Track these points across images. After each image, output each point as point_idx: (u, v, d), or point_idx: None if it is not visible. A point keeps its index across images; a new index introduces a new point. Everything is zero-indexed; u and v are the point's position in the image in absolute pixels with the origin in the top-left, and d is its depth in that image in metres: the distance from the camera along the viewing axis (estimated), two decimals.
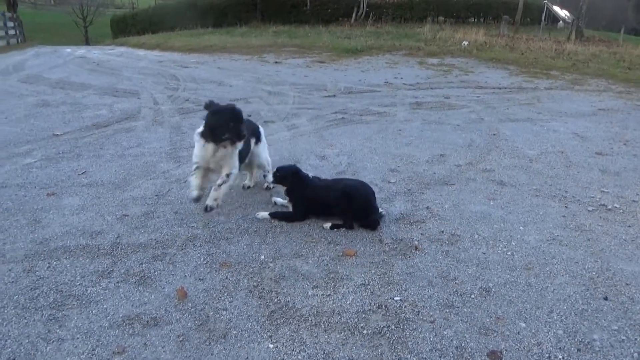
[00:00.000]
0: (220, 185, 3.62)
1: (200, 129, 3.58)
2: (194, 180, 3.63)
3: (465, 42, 16.70)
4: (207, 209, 3.63)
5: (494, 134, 6.34)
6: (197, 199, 3.67)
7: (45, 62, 13.97)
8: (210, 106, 3.59)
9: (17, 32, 23.49)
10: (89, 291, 2.72)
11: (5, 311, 2.53)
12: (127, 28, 34.23)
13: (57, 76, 10.91)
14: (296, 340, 2.36)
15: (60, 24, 44.67)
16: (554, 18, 26.97)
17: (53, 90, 9.06)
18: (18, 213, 3.70)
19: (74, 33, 41.50)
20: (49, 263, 3.00)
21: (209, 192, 3.67)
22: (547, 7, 24.47)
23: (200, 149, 3.56)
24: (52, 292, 2.70)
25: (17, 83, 9.95)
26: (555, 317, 2.58)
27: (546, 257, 3.21)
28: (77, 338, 2.34)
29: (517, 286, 2.87)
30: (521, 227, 3.65)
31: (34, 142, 5.58)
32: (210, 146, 3.49)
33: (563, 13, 26.91)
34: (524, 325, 2.51)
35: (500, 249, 3.32)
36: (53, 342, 2.31)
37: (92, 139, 5.75)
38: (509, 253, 3.26)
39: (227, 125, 3.44)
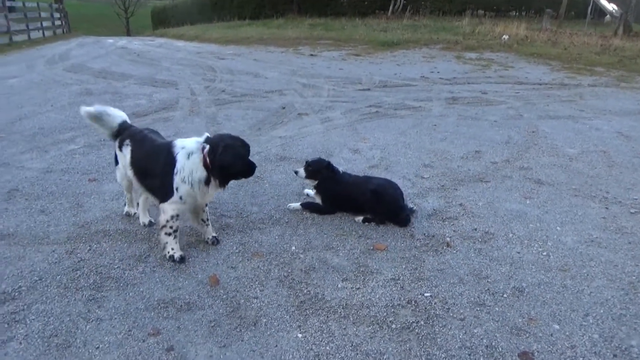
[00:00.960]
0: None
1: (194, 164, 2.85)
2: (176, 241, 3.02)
3: (506, 36, 16.25)
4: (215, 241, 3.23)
5: (533, 131, 6.18)
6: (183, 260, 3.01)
7: (88, 52, 14.43)
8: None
9: (63, 22, 24.33)
10: (126, 274, 2.82)
11: (49, 290, 2.65)
12: (167, 19, 34.99)
13: (99, 66, 11.26)
14: (325, 331, 2.39)
15: (103, 15, 46.01)
16: (601, 12, 25.86)
17: (96, 80, 9.36)
18: (62, 197, 3.86)
19: (116, 24, 42.68)
20: (89, 246, 3.12)
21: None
22: (593, 1, 23.52)
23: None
24: (92, 273, 2.82)
25: (63, 72, 10.33)
26: (591, 321, 2.51)
27: (583, 259, 3.12)
28: (115, 318, 2.43)
29: (551, 287, 2.80)
30: (558, 228, 3.56)
31: (77, 129, 5.79)
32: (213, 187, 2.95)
33: (610, 7, 25.75)
34: (557, 327, 2.45)
35: (535, 249, 3.24)
36: (92, 321, 2.41)
37: None
38: (545, 253, 3.18)
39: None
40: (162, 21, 36.02)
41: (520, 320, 2.50)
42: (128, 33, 38.93)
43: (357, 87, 9.02)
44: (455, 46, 15.34)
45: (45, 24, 20.98)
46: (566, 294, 2.74)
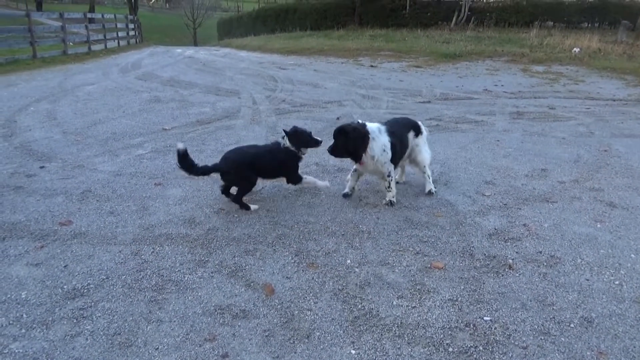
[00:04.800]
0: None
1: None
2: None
3: (577, 49, 15.51)
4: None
5: (605, 150, 5.82)
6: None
7: (158, 61, 15.19)
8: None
9: (137, 32, 25.81)
10: (186, 278, 2.91)
11: (114, 289, 2.78)
12: (231, 30, 36.24)
13: (168, 74, 11.82)
14: (379, 349, 2.34)
15: (172, 26, 48.34)
16: None
17: (164, 88, 9.82)
18: (129, 199, 4.06)
19: (184, 34, 44.75)
20: (153, 248, 3.26)
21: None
22: None
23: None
24: (154, 275, 2.93)
25: (134, 80, 10.92)
26: None
27: None
28: (174, 321, 2.51)
29: (624, 320, 2.60)
30: (632, 255, 3.31)
31: (146, 134, 6.09)
32: None
33: None
34: None
35: (606, 276, 3.04)
36: (153, 322, 2.50)
37: (196, 135, 6.15)
38: (617, 282, 2.97)
39: None
40: (227, 32, 37.35)
41: (588, 353, 2.34)
42: (195, 43, 40.69)
43: (417, 100, 8.91)
44: (522, 59, 14.82)
45: (120, 34, 22.35)
46: None
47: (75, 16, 19.77)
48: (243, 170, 3.82)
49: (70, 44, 16.70)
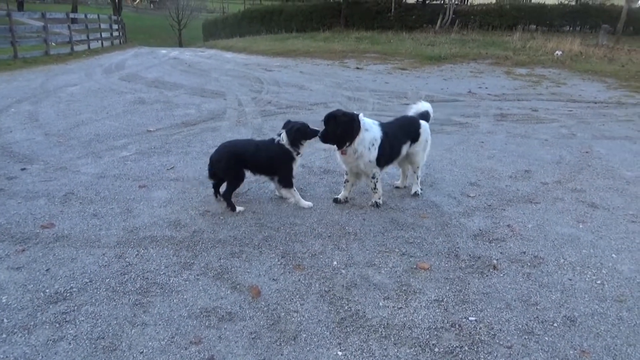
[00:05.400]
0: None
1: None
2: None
3: (559, 52, 15.77)
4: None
5: (587, 152, 5.92)
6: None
7: (142, 62, 15.05)
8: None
9: (120, 33, 25.52)
10: (171, 281, 2.88)
11: (98, 292, 2.74)
12: (217, 31, 36.07)
13: (152, 76, 11.71)
14: (365, 350, 2.35)
15: (157, 27, 47.96)
16: None
17: (149, 89, 9.74)
18: (113, 202, 4.01)
19: (169, 35, 44.39)
20: (137, 251, 3.22)
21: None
22: None
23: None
24: (139, 278, 2.90)
25: (118, 81, 10.81)
26: None
27: None
28: (159, 324, 2.48)
29: (606, 318, 2.65)
30: (614, 255, 3.37)
31: (130, 136, 6.03)
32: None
33: None
34: None
35: (588, 276, 3.08)
36: (138, 326, 2.47)
37: (181, 137, 6.10)
38: (599, 282, 3.02)
39: None
40: (212, 33, 37.16)
41: (571, 352, 2.37)
42: (180, 44, 40.40)
43: (403, 101, 8.96)
44: (505, 61, 15.01)
45: (104, 34, 22.08)
46: (622, 327, 2.58)
47: (58, 16, 19.47)
48: (232, 161, 3.79)
49: (53, 44, 16.46)
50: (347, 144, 3.72)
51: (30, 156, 5.13)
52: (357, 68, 14.35)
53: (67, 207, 3.87)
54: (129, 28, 29.74)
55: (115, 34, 24.51)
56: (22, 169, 4.71)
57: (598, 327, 2.57)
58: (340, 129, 3.65)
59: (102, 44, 21.01)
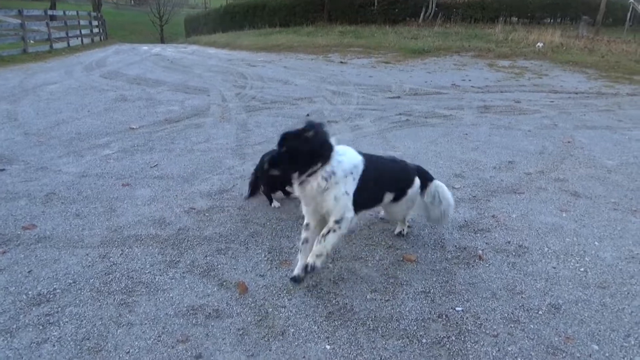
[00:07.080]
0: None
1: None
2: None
3: (540, 44, 15.93)
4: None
5: (569, 142, 6.00)
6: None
7: (124, 59, 14.84)
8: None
9: (101, 30, 25.11)
10: (157, 279, 2.85)
11: (82, 293, 2.70)
12: (199, 27, 35.72)
13: (134, 72, 11.55)
14: (353, 343, 2.35)
15: (138, 23, 47.34)
16: None
17: (130, 86, 9.60)
18: (96, 201, 3.95)
19: (150, 31, 43.85)
20: (122, 250, 3.18)
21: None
22: (632, 7, 22.80)
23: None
24: (124, 278, 2.86)
25: (99, 78, 10.64)
26: (632, 342, 2.39)
27: (624, 276, 2.99)
28: (145, 324, 2.46)
29: (590, 305, 2.69)
30: (596, 243, 3.42)
31: (112, 134, 5.94)
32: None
33: None
34: (596, 347, 2.35)
35: (572, 264, 3.13)
36: (123, 325, 2.44)
37: (164, 134, 6.03)
38: (582, 269, 3.07)
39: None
40: (194, 29, 36.80)
41: (556, 339, 2.41)
42: (162, 40, 39.91)
43: (387, 95, 8.97)
44: (488, 54, 15.12)
45: (84, 31, 21.70)
46: (605, 313, 2.62)
47: (36, 13, 19.03)
48: None
49: (31, 42, 16.12)
50: (312, 169, 2.56)
51: (10, 156, 5.03)
52: (341, 62, 14.33)
53: (49, 208, 3.80)
54: (109, 24, 29.29)
55: (96, 30, 24.09)
56: (2, 170, 4.61)
57: (582, 314, 2.61)
58: (305, 147, 2.51)
59: (82, 41, 20.64)
